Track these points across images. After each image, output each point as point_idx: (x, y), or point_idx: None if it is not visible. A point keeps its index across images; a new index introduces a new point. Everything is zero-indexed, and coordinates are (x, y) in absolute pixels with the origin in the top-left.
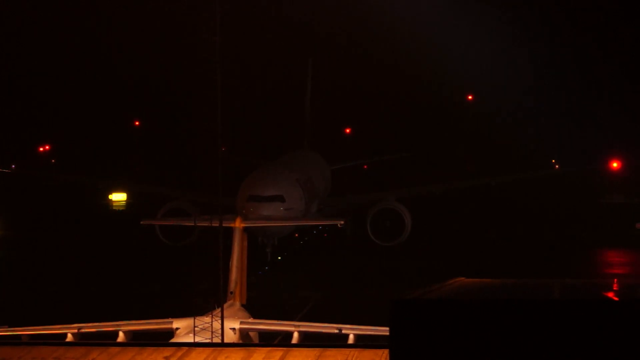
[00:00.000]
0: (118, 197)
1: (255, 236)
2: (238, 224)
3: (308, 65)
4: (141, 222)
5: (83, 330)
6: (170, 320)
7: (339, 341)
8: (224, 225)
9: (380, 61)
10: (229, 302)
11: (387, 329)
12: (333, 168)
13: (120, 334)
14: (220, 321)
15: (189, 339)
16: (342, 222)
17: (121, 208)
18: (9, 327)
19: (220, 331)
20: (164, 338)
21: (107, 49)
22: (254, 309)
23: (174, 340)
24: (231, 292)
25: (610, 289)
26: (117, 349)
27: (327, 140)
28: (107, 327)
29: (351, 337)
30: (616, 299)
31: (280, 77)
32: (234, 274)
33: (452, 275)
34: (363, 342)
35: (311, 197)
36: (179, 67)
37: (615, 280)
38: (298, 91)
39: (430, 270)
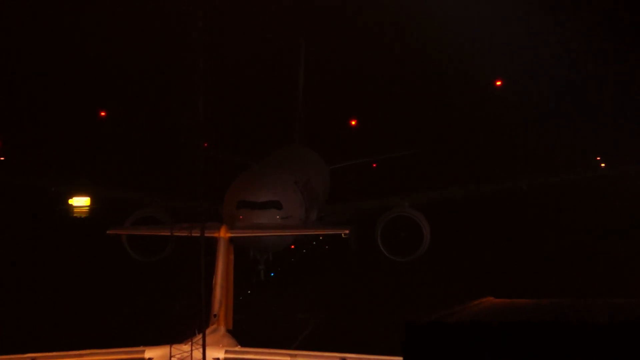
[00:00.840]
0: (80, 202)
1: (245, 250)
2: (223, 233)
3: (300, 47)
4: (107, 232)
5: None
6: (142, 349)
7: None
8: (206, 235)
9: (389, 41)
10: (212, 327)
11: (400, 359)
12: (332, 167)
13: None
14: (201, 350)
15: None
16: (347, 232)
17: (83, 215)
18: None
19: None
20: None
21: (68, 31)
22: (242, 334)
23: None
24: (215, 315)
25: None
26: None
27: (324, 135)
28: (66, 357)
29: None
30: None
31: (270, 62)
32: (218, 294)
33: (478, 295)
34: None
35: (311, 203)
36: (151, 50)
37: None
38: (289, 78)
39: (453, 290)
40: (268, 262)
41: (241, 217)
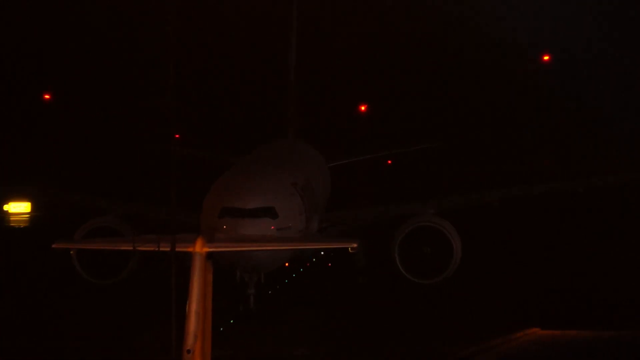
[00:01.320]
0: (18, 209)
1: (230, 270)
2: (199, 247)
3: (292, 9)
4: (53, 246)
5: None
6: None
7: None
8: (178, 249)
9: (402, 8)
10: None
11: None
12: (332, 165)
13: None
14: None
15: None
16: (354, 246)
17: (22, 224)
18: None
19: None
20: None
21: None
22: None
23: None
24: (188, 351)
25: None
26: None
27: (322, 126)
28: None
29: None
30: None
31: (254, 36)
32: (192, 324)
33: (522, 325)
34: None
35: (312, 210)
36: (113, 20)
37: None
38: (279, 56)
39: (491, 321)
40: (259, 285)
41: (225, 227)
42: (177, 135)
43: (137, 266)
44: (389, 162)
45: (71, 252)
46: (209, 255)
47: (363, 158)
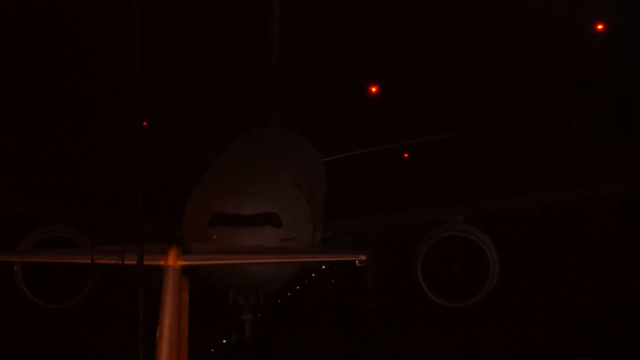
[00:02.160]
0: None
1: (222, 288)
2: (172, 260)
3: None
4: None
5: None
6: None
7: None
8: (146, 263)
9: None
10: None
11: None
12: (327, 160)
13: None
14: None
15: None
16: (363, 258)
17: None
18: None
19: None
20: None
21: None
22: None
23: None
24: None
25: None
26: None
27: (313, 112)
28: None
29: None
30: None
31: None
32: (164, 354)
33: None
34: None
35: (317, 217)
36: None
37: None
38: (258, 24)
39: (536, 348)
40: (257, 308)
41: (216, 238)
42: (144, 123)
43: (98, 286)
44: (406, 155)
45: (15, 268)
46: (185, 270)
47: (366, 151)
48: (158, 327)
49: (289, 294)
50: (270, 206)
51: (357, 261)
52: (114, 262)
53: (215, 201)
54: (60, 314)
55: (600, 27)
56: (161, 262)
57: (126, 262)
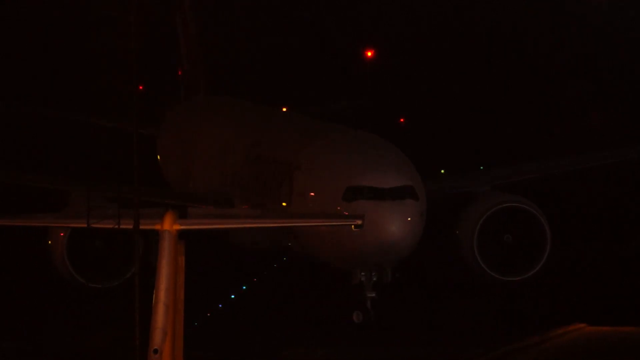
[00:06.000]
0: None
1: (349, 266)
2: (169, 224)
3: None
4: None
5: None
6: None
7: None
8: (142, 227)
9: None
10: None
11: None
12: None
13: None
14: None
15: None
16: (359, 222)
17: None
18: None
19: None
20: None
21: None
22: None
23: None
24: (155, 351)
25: None
26: None
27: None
28: None
29: None
30: None
31: None
32: (160, 318)
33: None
34: None
35: None
36: None
37: None
38: None
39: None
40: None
41: (358, 210)
42: (140, 87)
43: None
44: (402, 120)
45: (58, 249)
46: (182, 234)
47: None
48: (154, 291)
49: (275, 265)
50: (408, 179)
51: (352, 225)
52: (110, 226)
53: (350, 173)
54: (99, 294)
55: None
56: (157, 227)
57: (122, 226)
